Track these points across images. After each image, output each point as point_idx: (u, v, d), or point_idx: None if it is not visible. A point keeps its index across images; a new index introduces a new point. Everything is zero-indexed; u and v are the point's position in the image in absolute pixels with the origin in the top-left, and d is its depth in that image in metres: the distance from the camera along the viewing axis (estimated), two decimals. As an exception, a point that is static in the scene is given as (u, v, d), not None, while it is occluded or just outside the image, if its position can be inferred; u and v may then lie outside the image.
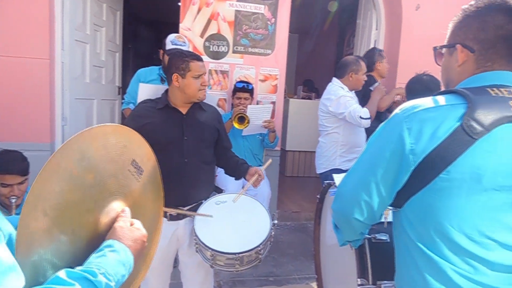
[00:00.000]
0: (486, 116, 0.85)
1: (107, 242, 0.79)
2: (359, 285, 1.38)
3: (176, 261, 2.06)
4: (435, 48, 1.13)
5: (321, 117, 3.04)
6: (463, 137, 0.84)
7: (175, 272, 2.10)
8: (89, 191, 0.79)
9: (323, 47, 7.34)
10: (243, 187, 2.89)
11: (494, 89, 0.91)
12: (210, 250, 1.69)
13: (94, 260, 0.73)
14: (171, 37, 2.81)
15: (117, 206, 0.87)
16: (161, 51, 2.89)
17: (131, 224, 0.86)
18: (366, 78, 2.99)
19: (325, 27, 7.11)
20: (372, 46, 4.29)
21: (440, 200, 0.87)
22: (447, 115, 0.88)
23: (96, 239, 0.80)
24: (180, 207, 1.87)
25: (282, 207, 4.23)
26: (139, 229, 0.86)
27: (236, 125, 2.93)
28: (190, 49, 3.33)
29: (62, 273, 0.66)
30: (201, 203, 1.90)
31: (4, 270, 0.55)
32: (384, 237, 1.44)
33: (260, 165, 3.35)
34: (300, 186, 5.26)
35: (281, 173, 5.44)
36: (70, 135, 0.77)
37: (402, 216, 0.98)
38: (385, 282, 1.37)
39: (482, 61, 0.97)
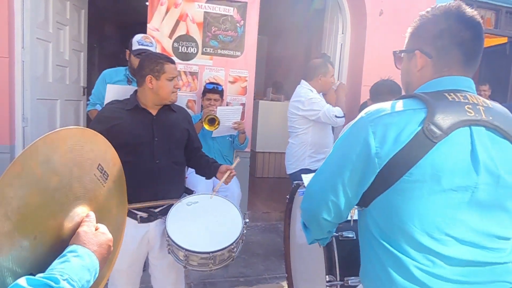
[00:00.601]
0: (444, 120, 0.90)
1: (71, 247, 0.76)
2: (327, 281, 1.42)
3: (145, 265, 2.03)
4: (395, 53, 1.18)
5: (291, 119, 3.09)
6: (424, 141, 0.89)
7: (145, 276, 2.06)
8: (53, 195, 0.76)
9: (292, 49, 7.44)
10: (213, 188, 2.89)
11: (451, 94, 0.96)
12: (184, 250, 1.68)
13: (57, 266, 0.71)
14: (138, 37, 2.77)
15: (81, 210, 0.85)
16: (128, 52, 2.84)
17: (96, 229, 0.84)
18: (334, 81, 3.07)
19: (294, 29, 7.21)
20: (339, 49, 4.42)
21: (403, 200, 0.91)
22: (409, 120, 0.92)
23: (60, 245, 0.78)
24: (151, 209, 1.85)
25: (252, 208, 4.25)
26: (104, 233, 0.84)
27: (206, 127, 2.92)
28: (158, 50, 3.29)
29: (22, 281, 0.63)
30: (172, 204, 1.89)
31: None
32: (350, 234, 1.49)
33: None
34: (270, 187, 5.30)
35: (251, 174, 5.47)
36: (31, 137, 0.75)
37: (367, 215, 1.02)
38: (352, 278, 1.42)
39: (440, 66, 1.02)
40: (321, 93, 3.07)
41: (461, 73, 1.02)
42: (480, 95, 4.43)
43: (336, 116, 2.80)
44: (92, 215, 0.86)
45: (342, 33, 4.38)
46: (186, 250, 1.68)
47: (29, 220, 0.71)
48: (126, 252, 1.84)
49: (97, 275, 0.78)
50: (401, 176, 0.90)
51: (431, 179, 0.89)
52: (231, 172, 1.96)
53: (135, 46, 2.72)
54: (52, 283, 0.66)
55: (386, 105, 0.98)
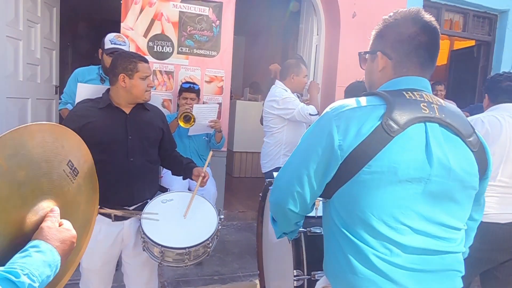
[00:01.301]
0: (401, 116, 0.97)
1: (33, 242, 0.77)
2: (294, 276, 1.46)
3: (118, 264, 2.03)
4: (360, 54, 1.25)
5: (266, 118, 3.13)
6: (383, 135, 0.95)
7: (117, 275, 2.06)
8: (18, 188, 0.77)
9: (269, 50, 7.51)
10: (189, 188, 2.90)
11: (409, 92, 1.04)
12: (159, 246, 1.70)
13: (18, 260, 0.72)
14: (110, 36, 2.75)
15: (46, 205, 0.85)
16: (100, 51, 2.82)
17: (60, 225, 0.84)
18: (307, 80, 3.14)
19: (271, 30, 7.28)
20: (314, 50, 4.50)
21: (363, 191, 0.97)
22: (369, 115, 0.98)
23: (21, 239, 0.78)
24: (125, 207, 1.86)
25: (229, 207, 4.27)
26: (68, 229, 0.85)
27: (182, 124, 2.93)
28: (132, 49, 3.28)
29: None
30: (147, 202, 1.90)
31: None
32: (318, 230, 1.54)
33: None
34: (247, 186, 5.34)
35: (228, 174, 5.49)
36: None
37: (331, 206, 1.07)
38: (319, 272, 1.47)
39: (399, 67, 1.09)
40: (295, 93, 3.13)
41: (418, 74, 1.09)
42: (436, 94, 4.64)
43: (310, 114, 2.87)
44: (57, 210, 0.86)
45: (317, 35, 4.46)
46: (162, 246, 1.70)
47: None
48: (99, 251, 1.84)
49: (57, 270, 0.79)
50: (361, 167, 0.96)
51: (388, 171, 0.95)
52: (204, 177, 1.99)
53: (108, 45, 2.71)
54: (12, 277, 0.66)
55: (349, 101, 1.04)
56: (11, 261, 0.72)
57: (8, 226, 0.77)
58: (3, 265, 0.71)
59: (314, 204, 1.15)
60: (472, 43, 5.57)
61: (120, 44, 2.73)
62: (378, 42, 1.14)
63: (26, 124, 0.79)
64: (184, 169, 2.06)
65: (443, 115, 1.01)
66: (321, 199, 1.14)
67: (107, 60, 2.70)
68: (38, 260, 0.74)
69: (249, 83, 7.07)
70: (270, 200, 1.19)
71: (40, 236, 0.79)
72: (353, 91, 2.62)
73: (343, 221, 1.03)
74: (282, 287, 1.80)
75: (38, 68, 3.83)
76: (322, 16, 4.38)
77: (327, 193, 1.06)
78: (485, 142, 1.11)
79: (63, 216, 0.89)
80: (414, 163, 0.96)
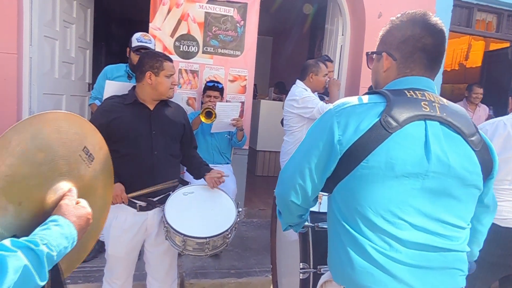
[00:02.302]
0: (401, 113, 1.00)
1: (53, 217, 0.86)
2: (301, 268, 1.50)
3: (140, 253, 2.14)
4: (367, 54, 1.28)
5: (286, 117, 3.18)
6: (381, 131, 0.98)
7: (139, 264, 2.17)
8: (38, 168, 0.86)
9: (296, 50, 7.53)
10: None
11: (411, 91, 1.07)
12: (181, 235, 1.81)
13: (38, 232, 0.81)
14: (137, 35, 2.90)
15: (64, 186, 0.95)
16: (128, 49, 2.97)
17: (77, 203, 0.93)
18: (327, 79, 3.15)
19: (298, 30, 7.30)
20: (338, 51, 4.48)
21: (361, 185, 1.01)
22: (369, 112, 1.02)
23: (42, 215, 0.87)
24: (150, 198, 1.97)
25: (250, 205, 4.34)
26: (84, 207, 0.94)
27: (203, 119, 3.02)
28: (159, 49, 3.42)
29: (6, 241, 0.74)
30: (169, 194, 2.01)
31: None
32: (325, 225, 1.57)
33: (227, 163, 3.46)
34: (269, 185, 5.38)
35: (251, 173, 5.57)
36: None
37: (332, 200, 1.11)
38: (325, 266, 1.50)
39: (403, 68, 1.12)
40: (315, 93, 3.15)
41: (422, 74, 1.12)
42: (476, 97, 4.46)
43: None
44: (74, 190, 0.96)
45: (342, 35, 4.45)
46: (184, 235, 1.81)
47: (15, 188, 0.81)
48: (125, 239, 1.96)
49: (74, 243, 0.87)
50: (359, 162, 0.99)
51: (385, 166, 0.98)
52: (220, 177, 2.06)
53: (135, 43, 2.86)
54: (32, 246, 0.76)
55: (351, 99, 1.08)
56: (33, 233, 0.81)
57: (31, 202, 0.87)
58: (26, 236, 0.80)
59: (316, 198, 1.19)
60: (506, 44, 5.35)
61: (146, 42, 2.87)
62: (384, 43, 1.17)
63: (42, 112, 0.88)
64: (200, 168, 2.15)
65: (444, 114, 1.03)
66: (325, 194, 1.18)
67: (134, 57, 2.85)
68: (56, 232, 0.83)
69: (274, 83, 7.12)
70: (275, 192, 1.24)
71: (58, 212, 0.88)
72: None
73: (343, 214, 1.06)
74: (291, 284, 1.84)
75: (73, 66, 4.05)
76: (347, 16, 4.36)
77: (329, 187, 1.10)
78: (491, 143, 1.11)
79: (81, 196, 0.98)
80: (412, 159, 0.98)
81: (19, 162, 0.82)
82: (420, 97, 1.05)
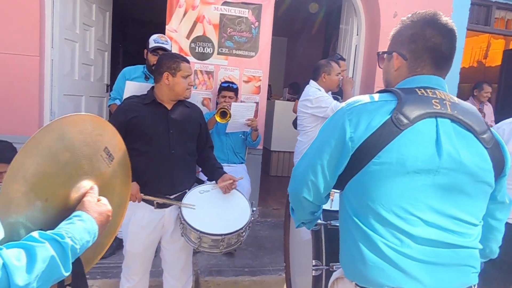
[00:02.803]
0: (412, 111, 1.02)
1: (76, 212, 0.92)
2: (313, 265, 1.52)
3: (156, 250, 2.20)
4: (378, 54, 1.30)
5: (300, 118, 3.20)
6: (392, 128, 1.01)
7: (155, 260, 2.23)
8: (64, 167, 0.92)
9: (311, 50, 7.51)
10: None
11: (421, 89, 1.09)
12: (198, 232, 1.86)
13: (63, 226, 0.86)
14: (154, 36, 2.98)
15: (87, 184, 1.00)
16: (146, 50, 3.04)
17: (98, 200, 0.99)
18: (340, 78, 3.15)
19: (312, 31, 7.29)
20: (353, 51, 4.47)
21: (372, 181, 1.03)
22: (380, 109, 1.04)
23: (66, 211, 0.93)
24: (167, 195, 2.03)
25: (264, 205, 4.37)
26: (105, 204, 0.99)
27: (218, 119, 3.07)
28: (175, 50, 3.48)
29: (35, 233, 0.79)
30: (186, 192, 2.06)
31: None
32: (338, 223, 1.59)
33: (242, 163, 3.50)
34: (283, 185, 5.39)
35: (266, 173, 5.60)
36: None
37: (344, 197, 1.14)
38: (337, 264, 1.52)
39: (413, 67, 1.14)
40: (329, 92, 3.16)
41: (432, 73, 1.13)
42: (484, 96, 4.37)
43: None
44: (96, 188, 1.01)
45: (357, 35, 4.44)
46: (200, 232, 1.86)
47: (42, 185, 0.87)
48: (142, 236, 2.03)
49: (95, 238, 0.92)
50: (370, 159, 1.01)
51: (396, 162, 1.00)
52: (232, 183, 2.09)
53: (152, 44, 2.93)
54: (58, 238, 0.81)
55: (363, 97, 1.11)
56: (58, 226, 0.87)
57: (56, 199, 0.92)
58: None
59: (328, 195, 1.21)
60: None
61: (163, 43, 2.94)
62: (395, 42, 1.19)
63: (69, 114, 0.94)
64: (214, 171, 2.18)
65: (455, 112, 1.05)
66: (337, 191, 1.20)
67: (151, 58, 2.93)
68: (79, 227, 0.88)
69: (289, 83, 7.12)
70: (288, 189, 1.26)
71: (82, 208, 0.94)
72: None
73: (354, 210, 1.08)
74: (304, 282, 1.86)
75: (92, 68, 4.16)
76: (362, 16, 4.35)
77: (340, 184, 1.12)
78: (502, 140, 1.12)
79: (101, 194, 1.03)
80: (423, 155, 1.00)
81: (47, 161, 0.87)
82: (431, 95, 1.07)
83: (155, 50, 2.93)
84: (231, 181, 2.09)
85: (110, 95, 3.20)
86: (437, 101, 1.05)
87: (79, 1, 3.76)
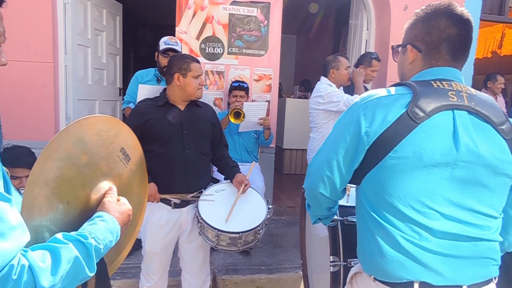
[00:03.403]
0: (427, 104, 1.01)
1: (98, 213, 0.93)
2: (331, 261, 1.52)
3: (174, 249, 2.23)
4: (392, 47, 1.29)
5: (312, 114, 3.19)
6: (408, 122, 1.00)
7: (173, 260, 2.25)
8: (83, 169, 0.94)
9: (320, 47, 7.48)
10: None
11: (437, 82, 1.07)
12: (215, 230, 1.88)
13: (86, 227, 0.88)
14: (164, 38, 3.02)
15: (106, 185, 1.02)
16: (156, 53, 3.08)
17: (118, 200, 1.00)
18: (350, 71, 3.12)
19: (321, 27, 7.25)
20: (363, 45, 4.44)
21: (389, 176, 1.02)
22: (395, 103, 1.03)
23: (87, 212, 0.95)
24: (183, 194, 2.05)
25: (278, 203, 4.37)
26: (125, 204, 1.01)
27: (232, 120, 3.08)
28: (186, 51, 3.51)
29: (59, 235, 0.81)
30: (201, 191, 2.08)
31: (12, 227, 0.70)
32: (355, 219, 1.58)
33: (256, 161, 3.50)
34: (296, 182, 5.38)
35: (278, 171, 5.59)
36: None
37: (361, 191, 1.13)
38: (355, 259, 1.51)
39: (428, 59, 1.13)
40: (341, 87, 3.15)
41: (448, 65, 1.12)
42: (501, 87, 4.27)
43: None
44: (114, 188, 1.03)
45: (367, 30, 4.40)
46: (218, 230, 1.88)
47: (64, 188, 0.88)
48: (160, 235, 2.06)
49: (118, 237, 0.94)
50: (387, 153, 1.01)
51: (413, 156, 0.99)
52: (245, 186, 2.11)
53: (162, 46, 2.97)
54: (82, 239, 0.83)
55: (377, 91, 1.10)
56: (81, 228, 0.88)
57: (77, 201, 0.94)
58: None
59: (345, 190, 1.21)
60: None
61: (172, 45, 2.98)
62: (409, 35, 1.18)
63: (85, 116, 0.95)
64: (228, 170, 2.20)
65: (473, 103, 1.03)
66: (353, 185, 1.20)
67: (162, 60, 2.96)
68: (102, 227, 0.89)
69: (299, 81, 7.10)
70: (304, 185, 1.27)
71: (103, 208, 0.95)
72: None
73: (371, 205, 1.08)
74: (322, 280, 1.85)
75: (104, 72, 4.22)
76: (372, 10, 4.31)
77: (356, 178, 1.12)
78: None
79: (119, 194, 1.04)
80: (440, 148, 0.99)
81: (66, 165, 0.89)
82: (447, 87, 1.05)
83: (166, 51, 2.96)
84: (243, 186, 2.09)
85: (123, 99, 3.24)
86: (454, 93, 1.04)
87: (90, 7, 3.82)
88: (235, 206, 2.03)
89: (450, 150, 0.99)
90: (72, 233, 0.84)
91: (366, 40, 4.41)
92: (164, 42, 2.99)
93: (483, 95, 1.09)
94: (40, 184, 0.83)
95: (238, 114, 3.07)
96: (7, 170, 1.74)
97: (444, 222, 1.01)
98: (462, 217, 1.01)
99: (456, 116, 1.01)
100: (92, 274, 0.84)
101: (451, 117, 1.01)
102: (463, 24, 1.09)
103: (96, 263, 0.85)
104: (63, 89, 3.55)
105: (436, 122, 1.00)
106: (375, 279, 1.09)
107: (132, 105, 3.06)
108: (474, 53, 4.27)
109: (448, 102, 1.02)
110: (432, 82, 1.07)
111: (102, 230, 0.89)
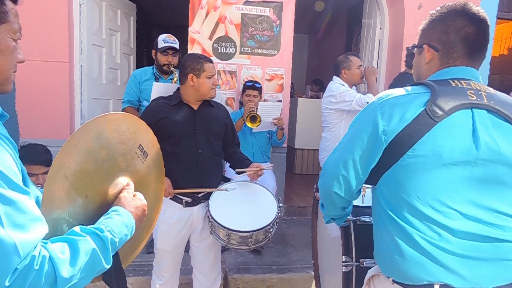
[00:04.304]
0: (446, 102, 1.00)
1: (114, 207, 0.96)
2: (343, 261, 1.52)
3: (186, 247, 2.24)
4: (407, 49, 1.29)
5: (324, 114, 3.18)
6: (427, 120, 0.99)
7: (185, 258, 2.27)
8: (102, 165, 0.96)
9: (333, 46, 7.44)
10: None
11: (455, 81, 1.07)
12: (226, 229, 1.89)
13: (102, 221, 0.90)
14: (162, 36, 3.05)
15: (123, 180, 1.04)
16: (153, 51, 3.10)
17: (134, 196, 1.02)
18: (362, 70, 3.08)
19: (334, 27, 7.21)
20: (376, 45, 4.40)
21: (407, 174, 1.02)
22: (413, 102, 1.03)
23: (105, 207, 0.97)
24: (195, 194, 2.07)
25: (289, 202, 4.37)
26: (140, 199, 1.03)
27: (249, 124, 3.10)
28: (198, 51, 3.52)
29: (77, 228, 0.84)
30: (213, 190, 2.09)
31: (32, 219, 0.73)
32: (368, 219, 1.57)
33: (267, 162, 3.51)
34: (308, 182, 5.37)
35: (290, 171, 5.58)
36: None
37: (378, 191, 1.12)
38: (368, 259, 1.51)
39: (445, 59, 1.12)
40: (354, 87, 3.13)
41: (466, 64, 1.11)
42: None
43: (367, 103, 2.83)
44: (132, 184, 1.05)
45: (380, 29, 4.36)
46: (228, 229, 1.89)
47: (83, 182, 0.91)
48: (172, 233, 2.08)
49: (133, 231, 0.96)
50: (405, 152, 1.01)
51: (432, 154, 0.98)
52: (260, 170, 2.12)
53: (161, 45, 3.00)
54: (98, 232, 0.85)
55: (394, 90, 1.10)
56: (97, 222, 0.91)
57: (95, 195, 0.97)
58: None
59: (360, 190, 1.20)
60: None
61: (171, 43, 3.01)
62: (425, 35, 1.18)
63: (105, 113, 0.98)
64: (242, 162, 2.21)
65: (492, 102, 1.02)
66: (369, 186, 1.19)
67: (161, 58, 3.01)
68: (117, 221, 0.92)
69: (311, 80, 7.08)
70: (318, 184, 1.26)
71: (119, 203, 0.98)
72: (398, 82, 2.55)
73: (389, 204, 1.07)
74: (333, 280, 1.85)
75: (118, 72, 4.28)
76: (385, 9, 4.27)
77: (373, 179, 1.11)
78: None
79: (136, 190, 1.07)
80: (460, 147, 0.98)
81: (85, 160, 0.91)
82: (465, 86, 1.05)
83: (165, 50, 2.99)
84: (258, 168, 2.11)
85: (123, 98, 3.22)
86: (472, 92, 1.03)
87: (105, 7, 3.87)
88: (244, 205, 2.04)
89: (470, 148, 0.98)
90: (90, 227, 0.86)
91: (379, 40, 4.37)
92: (163, 40, 3.02)
93: (503, 94, 1.09)
94: (60, 178, 0.85)
95: (254, 118, 3.09)
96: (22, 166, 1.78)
97: (464, 222, 0.99)
98: (483, 217, 1.00)
99: (475, 114, 1.00)
100: (108, 266, 0.86)
101: (470, 116, 1.00)
102: (480, 23, 1.09)
103: (113, 256, 0.87)
104: (78, 88, 3.61)
105: (455, 121, 0.99)
106: (393, 281, 1.08)
107: (145, 104, 3.08)
108: (490, 52, 4.20)
109: (467, 101, 1.01)
110: (450, 81, 1.07)
111: (118, 224, 0.91)
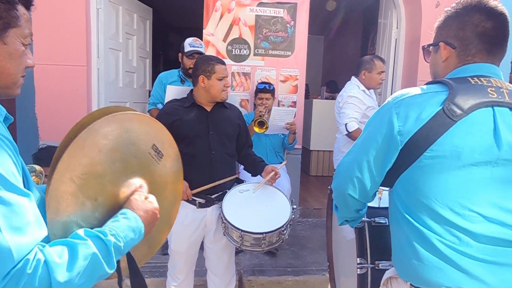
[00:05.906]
0: (465, 101, 0.96)
1: (122, 210, 0.93)
2: (358, 263, 1.49)
3: (200, 250, 2.25)
4: (423, 47, 1.25)
5: (337, 113, 3.14)
6: (444, 119, 0.96)
7: (199, 260, 2.27)
8: (112, 166, 0.93)
9: (348, 47, 7.37)
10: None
11: (475, 78, 1.03)
12: (239, 231, 1.88)
13: (109, 224, 0.88)
14: (189, 40, 3.06)
15: (136, 182, 1.01)
16: (180, 54, 3.13)
17: (146, 198, 0.99)
18: (383, 77, 3.04)
19: (349, 27, 7.14)
20: (393, 45, 4.33)
21: (425, 176, 0.98)
22: (430, 100, 1.00)
23: (117, 209, 0.94)
24: (208, 195, 2.07)
25: (304, 204, 4.34)
26: (152, 202, 0.99)
27: (256, 129, 3.08)
28: (212, 53, 3.54)
29: (80, 231, 0.82)
30: (226, 191, 2.09)
31: (30, 222, 0.72)
32: (383, 220, 1.54)
33: (281, 162, 3.49)
34: (323, 184, 5.32)
35: (305, 173, 5.55)
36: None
37: (394, 194, 1.09)
38: (383, 262, 1.47)
39: (463, 56, 1.08)
40: (371, 90, 3.07)
41: (485, 60, 1.07)
42: None
43: (347, 131, 2.90)
44: (145, 186, 1.02)
45: (397, 28, 4.29)
46: (242, 230, 1.88)
47: (91, 185, 0.89)
48: (186, 234, 2.08)
49: (141, 236, 0.93)
50: (422, 153, 0.97)
51: (450, 155, 0.95)
52: (275, 174, 2.10)
53: (187, 48, 3.01)
54: (101, 235, 0.83)
55: (410, 89, 1.07)
56: (105, 224, 0.89)
57: (106, 197, 0.94)
58: None
59: (375, 193, 1.17)
60: None
61: (198, 47, 3.02)
62: (441, 33, 1.14)
63: (113, 114, 0.94)
64: (256, 165, 2.21)
65: None
66: (385, 188, 1.15)
67: (187, 62, 3.01)
68: (124, 224, 0.89)
69: (326, 82, 7.03)
70: (332, 186, 1.24)
71: (128, 206, 0.95)
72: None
73: (406, 207, 1.04)
74: (349, 282, 1.82)
75: (135, 75, 4.34)
76: (402, 8, 4.20)
77: (389, 181, 1.08)
78: None
79: (153, 192, 1.03)
80: (480, 147, 0.94)
81: (93, 162, 0.89)
82: (485, 84, 1.01)
83: (192, 54, 3.00)
84: (273, 173, 2.09)
85: (149, 101, 3.30)
86: (493, 89, 0.99)
87: (121, 11, 3.93)
88: (258, 207, 2.03)
89: (491, 148, 0.94)
90: (94, 230, 0.84)
91: (396, 39, 4.30)
92: (190, 44, 3.04)
93: None
94: (65, 181, 0.83)
95: (262, 124, 3.07)
96: (40, 169, 1.79)
97: (486, 225, 0.95)
98: (506, 219, 0.95)
99: (496, 113, 0.96)
100: (111, 272, 0.83)
101: (491, 114, 0.96)
102: (498, 17, 1.05)
103: (127, 260, 0.85)
104: (95, 91, 3.67)
105: (475, 120, 0.96)
106: (411, 285, 1.04)
107: (160, 106, 3.12)
108: (511, 49, 4.07)
109: (488, 99, 0.97)
110: (469, 78, 1.03)
111: (124, 227, 0.88)
